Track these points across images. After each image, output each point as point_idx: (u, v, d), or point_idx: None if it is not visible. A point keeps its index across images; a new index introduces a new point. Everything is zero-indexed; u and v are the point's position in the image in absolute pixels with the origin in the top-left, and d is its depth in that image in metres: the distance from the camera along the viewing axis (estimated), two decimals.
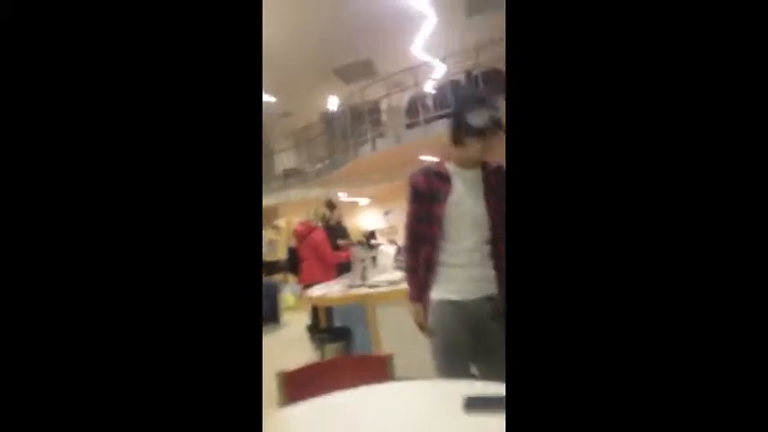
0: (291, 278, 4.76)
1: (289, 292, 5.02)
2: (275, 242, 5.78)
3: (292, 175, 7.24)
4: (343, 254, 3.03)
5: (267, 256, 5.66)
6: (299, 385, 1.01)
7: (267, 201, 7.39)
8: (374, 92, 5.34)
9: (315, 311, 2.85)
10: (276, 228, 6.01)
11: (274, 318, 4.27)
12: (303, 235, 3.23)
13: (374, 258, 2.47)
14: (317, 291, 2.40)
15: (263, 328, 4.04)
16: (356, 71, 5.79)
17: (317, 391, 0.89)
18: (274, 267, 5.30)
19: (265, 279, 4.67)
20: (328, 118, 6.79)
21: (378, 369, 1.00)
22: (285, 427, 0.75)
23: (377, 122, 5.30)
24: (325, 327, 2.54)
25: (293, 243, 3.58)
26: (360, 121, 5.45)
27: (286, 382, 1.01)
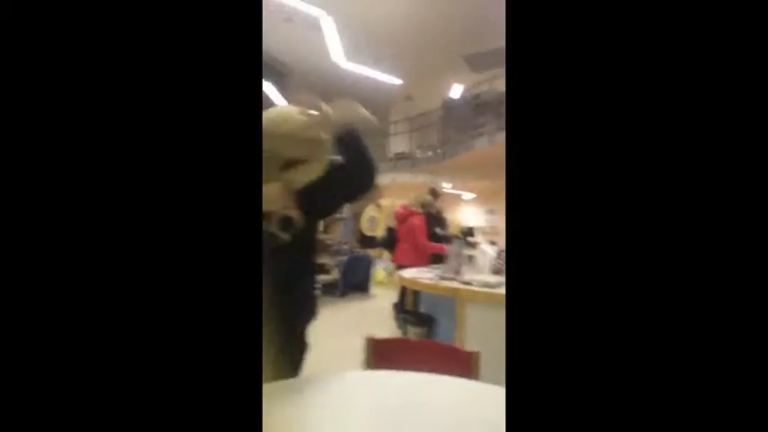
0: (386, 255, 4.99)
1: (381, 268, 5.28)
2: (376, 219, 6.10)
3: (402, 159, 7.44)
4: (437, 245, 3.05)
5: (367, 231, 6.01)
6: (385, 354, 1.09)
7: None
8: (503, 84, 5.06)
9: (403, 292, 2.96)
10: (379, 206, 6.32)
11: (365, 288, 4.56)
12: (403, 218, 3.34)
13: (470, 257, 2.43)
14: (408, 273, 2.49)
15: (353, 296, 4.38)
16: (487, 60, 5.55)
17: (400, 365, 0.95)
18: (372, 242, 5.64)
19: (362, 251, 4.99)
20: (449, 106, 6.71)
21: (464, 364, 1.01)
22: (374, 388, 0.83)
23: (499, 115, 5.04)
24: (412, 309, 2.63)
25: (393, 223, 3.74)
26: (481, 112, 5.26)
27: (374, 349, 1.10)
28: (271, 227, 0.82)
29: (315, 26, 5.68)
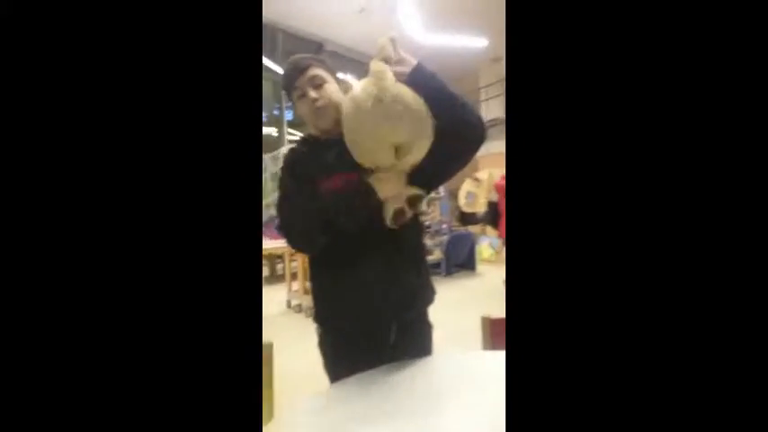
0: (490, 231, 4.75)
1: (486, 245, 5.06)
2: (474, 194, 5.83)
3: (496, 125, 6.92)
4: None
5: (465, 207, 5.80)
6: (502, 334, 1.02)
7: None
8: None
9: None
10: (477, 180, 6.01)
11: (471, 266, 4.44)
12: (506, 189, 3.10)
13: None
14: None
15: (460, 275, 4.29)
16: None
17: None
18: (472, 219, 5.41)
19: (464, 230, 4.84)
20: None
21: None
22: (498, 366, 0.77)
23: None
24: None
25: (495, 197, 3.50)
26: None
27: (491, 328, 1.03)
28: (394, 211, 0.76)
29: (390, 7, 5.59)
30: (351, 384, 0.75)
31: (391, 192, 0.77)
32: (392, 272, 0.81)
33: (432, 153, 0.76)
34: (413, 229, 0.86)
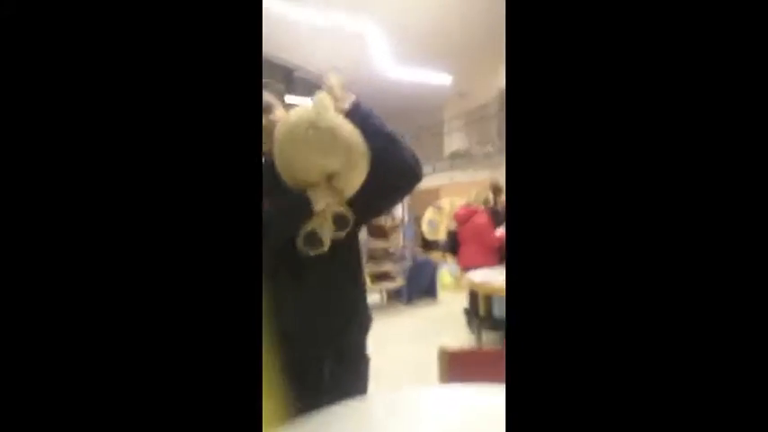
0: (450, 258, 4.85)
1: (446, 272, 5.14)
2: (436, 222, 5.98)
3: (459, 157, 7.23)
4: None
5: (428, 235, 5.91)
6: (460, 366, 1.02)
7: (431, 182, 7.67)
8: None
9: (473, 295, 2.82)
10: (438, 208, 6.19)
11: (432, 293, 4.47)
12: (465, 219, 3.20)
13: None
14: (478, 275, 2.35)
15: (421, 302, 4.30)
16: None
17: (477, 377, 0.87)
18: (433, 246, 5.51)
19: (425, 257, 4.91)
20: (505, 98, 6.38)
21: None
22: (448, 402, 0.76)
23: None
24: (484, 314, 2.49)
25: (454, 226, 3.61)
26: None
27: (448, 361, 1.03)
28: (322, 229, 0.78)
29: (357, 37, 5.80)
30: None
31: (324, 204, 0.78)
32: (325, 294, 0.83)
33: (366, 187, 0.79)
34: (349, 251, 0.88)
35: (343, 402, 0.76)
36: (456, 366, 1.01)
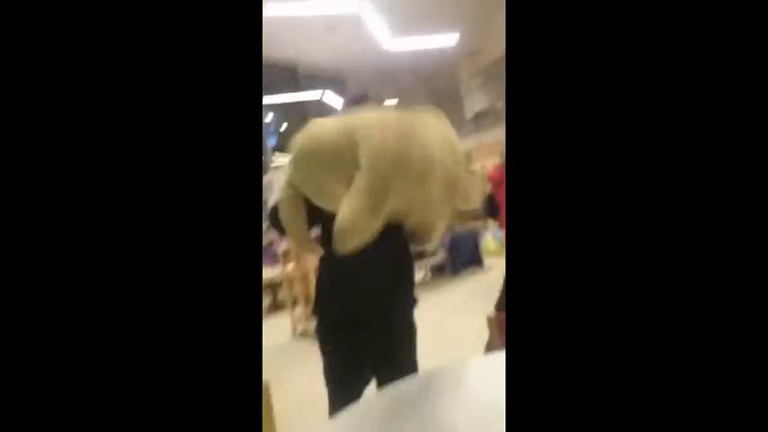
0: (492, 223, 4.69)
1: (490, 237, 5.00)
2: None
3: (484, 117, 6.92)
4: None
5: (462, 205, 5.76)
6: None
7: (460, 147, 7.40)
8: None
9: None
10: (471, 173, 5.98)
11: (478, 262, 4.38)
12: (499, 179, 3.06)
13: None
14: None
15: (468, 271, 4.23)
16: None
17: None
18: (470, 216, 5.36)
19: (464, 228, 4.80)
20: None
21: None
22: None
23: None
24: None
25: (489, 189, 3.46)
26: None
27: (498, 327, 0.99)
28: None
29: (357, 21, 5.64)
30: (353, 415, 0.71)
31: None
32: (376, 274, 0.90)
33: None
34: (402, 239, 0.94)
35: (393, 385, 0.75)
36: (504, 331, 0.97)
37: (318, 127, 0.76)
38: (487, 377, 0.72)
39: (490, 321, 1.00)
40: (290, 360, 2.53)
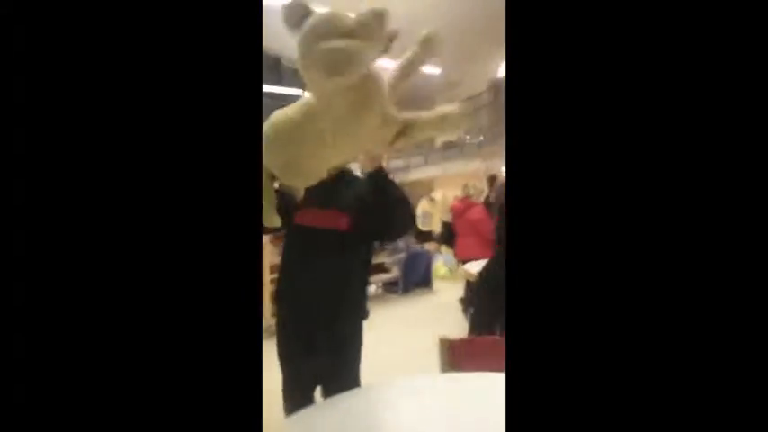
0: (445, 249, 4.88)
1: (441, 262, 5.19)
2: (429, 214, 6.01)
3: (452, 147, 7.23)
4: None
5: (421, 226, 5.95)
6: (461, 355, 1.05)
7: (424, 173, 7.66)
8: None
9: (468, 285, 2.86)
10: (432, 200, 6.21)
11: (428, 283, 4.52)
12: (460, 211, 3.22)
13: None
14: (475, 267, 2.39)
15: (418, 291, 4.35)
16: None
17: (478, 366, 0.90)
18: (427, 237, 5.54)
19: (419, 247, 4.95)
20: (498, 87, 6.39)
21: None
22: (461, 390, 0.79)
23: None
24: None
25: (448, 217, 3.63)
26: None
27: (449, 350, 1.05)
28: None
29: None
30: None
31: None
32: (331, 282, 1.01)
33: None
34: (363, 247, 1.07)
35: (339, 396, 0.78)
36: (457, 355, 1.04)
37: (278, 113, 0.82)
38: (442, 395, 0.78)
39: (443, 343, 1.06)
40: None
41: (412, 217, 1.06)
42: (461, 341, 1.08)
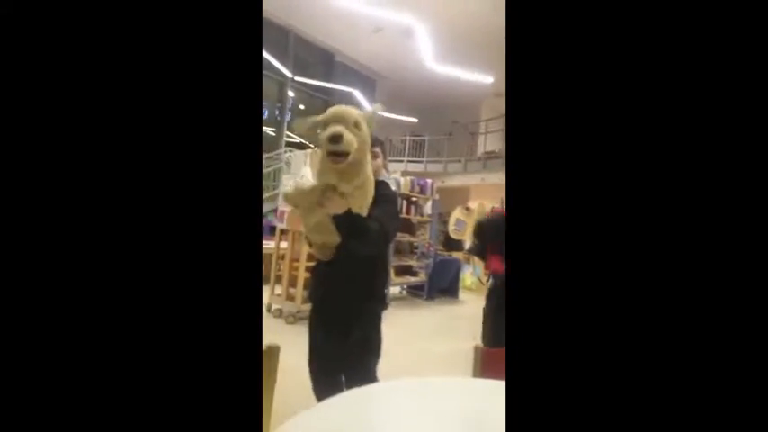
0: (476, 260, 4.80)
1: (469, 272, 5.11)
2: (464, 223, 5.92)
3: (492, 158, 7.09)
4: None
5: (453, 234, 5.87)
6: (494, 363, 1.04)
7: (462, 181, 7.56)
8: None
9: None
10: (468, 209, 6.12)
11: (454, 293, 4.46)
12: None
13: None
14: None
15: (443, 300, 4.30)
16: None
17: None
18: (457, 246, 5.46)
19: (449, 255, 4.89)
20: None
21: None
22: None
23: None
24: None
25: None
26: None
27: (482, 357, 1.05)
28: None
29: (406, 33, 5.76)
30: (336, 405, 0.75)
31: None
32: (354, 272, 1.11)
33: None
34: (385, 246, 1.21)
35: (340, 396, 0.77)
36: (490, 364, 1.04)
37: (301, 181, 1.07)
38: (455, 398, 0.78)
39: (476, 351, 1.06)
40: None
41: (396, 215, 1.16)
42: (495, 350, 1.07)
